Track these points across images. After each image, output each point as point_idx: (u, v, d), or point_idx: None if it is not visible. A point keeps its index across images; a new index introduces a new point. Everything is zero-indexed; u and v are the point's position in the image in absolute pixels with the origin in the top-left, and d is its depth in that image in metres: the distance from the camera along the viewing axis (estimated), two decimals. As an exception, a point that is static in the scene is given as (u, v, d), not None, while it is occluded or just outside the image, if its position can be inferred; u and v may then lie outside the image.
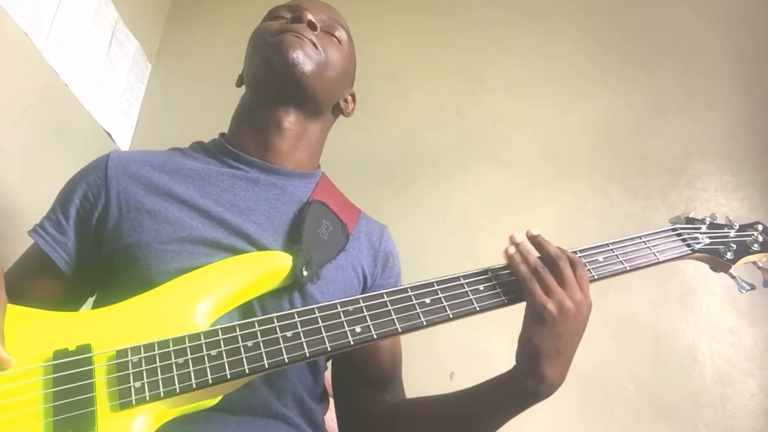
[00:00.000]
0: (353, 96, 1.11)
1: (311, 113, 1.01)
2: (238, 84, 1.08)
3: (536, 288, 0.76)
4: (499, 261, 0.83)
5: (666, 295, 1.62)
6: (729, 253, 0.93)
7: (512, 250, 0.82)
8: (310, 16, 0.98)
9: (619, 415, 1.52)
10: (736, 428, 1.46)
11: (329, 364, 1.00)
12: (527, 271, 0.78)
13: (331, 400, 1.03)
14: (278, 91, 0.97)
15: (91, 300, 0.93)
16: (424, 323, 0.75)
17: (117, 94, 1.96)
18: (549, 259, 0.80)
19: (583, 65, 1.94)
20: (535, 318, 0.76)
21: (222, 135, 1.04)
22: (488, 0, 2.10)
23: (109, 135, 1.92)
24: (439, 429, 0.87)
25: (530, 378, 0.75)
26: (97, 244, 0.87)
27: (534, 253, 0.81)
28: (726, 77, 1.84)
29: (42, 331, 0.70)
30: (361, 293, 0.92)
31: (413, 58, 2.04)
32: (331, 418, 1.01)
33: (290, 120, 0.98)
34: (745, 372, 1.51)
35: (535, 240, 0.83)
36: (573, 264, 0.79)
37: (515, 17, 2.06)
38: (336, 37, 1.03)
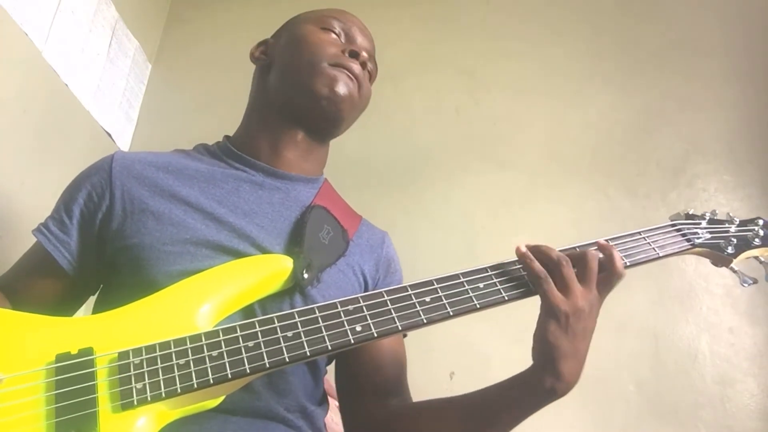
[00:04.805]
0: None
1: (325, 139, 1.05)
2: (257, 59, 1.06)
3: (550, 286, 0.76)
4: (499, 260, 0.83)
5: (666, 295, 1.62)
6: (730, 248, 0.93)
7: (524, 248, 0.80)
8: (365, 56, 1.00)
9: (620, 415, 1.52)
10: (736, 428, 1.46)
11: (329, 368, 1.00)
12: (541, 268, 0.77)
13: (333, 403, 1.03)
14: (309, 120, 0.99)
15: (90, 301, 0.93)
16: (425, 321, 0.75)
17: (117, 94, 1.96)
18: (575, 256, 0.79)
19: (584, 65, 1.94)
20: (550, 316, 0.75)
21: (227, 137, 1.05)
22: (489, 0, 2.11)
23: (109, 135, 1.92)
24: (453, 430, 0.85)
25: (549, 375, 0.75)
26: (100, 244, 0.87)
27: (555, 251, 0.80)
28: (726, 77, 1.84)
29: (45, 336, 0.70)
30: None
31: (414, 58, 2.05)
32: (331, 419, 1.01)
33: (304, 139, 1.00)
34: (745, 372, 1.51)
35: (547, 250, 0.81)
36: (589, 259, 0.78)
37: (516, 17, 2.06)
38: (370, 73, 1.05)
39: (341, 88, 0.95)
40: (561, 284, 0.76)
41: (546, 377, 0.75)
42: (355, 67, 0.98)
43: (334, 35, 1.01)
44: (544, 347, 0.75)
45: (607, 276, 0.79)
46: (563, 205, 1.77)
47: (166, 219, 0.85)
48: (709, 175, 1.75)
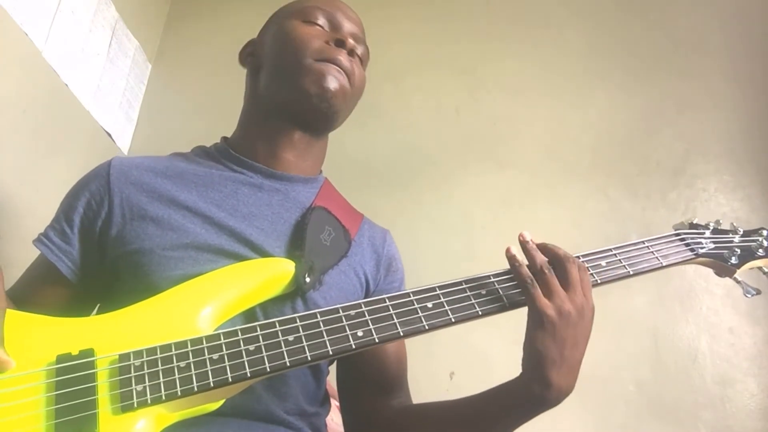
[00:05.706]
0: None
1: (322, 134, 1.03)
2: (245, 61, 1.06)
3: (536, 292, 0.75)
4: (500, 261, 0.82)
5: (666, 296, 1.62)
6: (733, 258, 0.93)
7: (515, 250, 0.80)
8: (352, 43, 0.97)
9: (620, 416, 1.52)
10: (736, 428, 1.46)
11: (332, 368, 1.00)
12: (528, 274, 0.77)
13: (334, 403, 1.02)
14: (303, 119, 0.98)
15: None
16: (426, 327, 0.75)
17: (117, 94, 1.96)
18: (556, 261, 0.78)
19: (584, 65, 1.94)
20: (536, 323, 0.74)
21: (224, 139, 1.04)
22: (489, 0, 2.10)
23: (109, 135, 1.91)
24: None
25: (536, 383, 0.74)
26: (101, 251, 0.87)
27: (540, 254, 0.79)
28: (726, 77, 1.84)
29: (45, 336, 0.70)
30: (363, 298, 0.92)
31: (413, 58, 2.05)
32: (331, 418, 1.01)
33: (301, 138, 0.99)
34: (745, 372, 1.51)
35: (541, 245, 0.81)
36: (577, 267, 0.78)
37: (515, 17, 2.06)
38: (361, 59, 1.03)
39: (330, 83, 0.93)
40: (545, 289, 0.76)
41: (534, 385, 0.74)
42: (343, 58, 0.95)
43: (318, 27, 0.99)
44: (531, 355, 0.74)
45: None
46: (563, 205, 1.77)
47: (165, 224, 0.85)
48: (709, 175, 1.75)
